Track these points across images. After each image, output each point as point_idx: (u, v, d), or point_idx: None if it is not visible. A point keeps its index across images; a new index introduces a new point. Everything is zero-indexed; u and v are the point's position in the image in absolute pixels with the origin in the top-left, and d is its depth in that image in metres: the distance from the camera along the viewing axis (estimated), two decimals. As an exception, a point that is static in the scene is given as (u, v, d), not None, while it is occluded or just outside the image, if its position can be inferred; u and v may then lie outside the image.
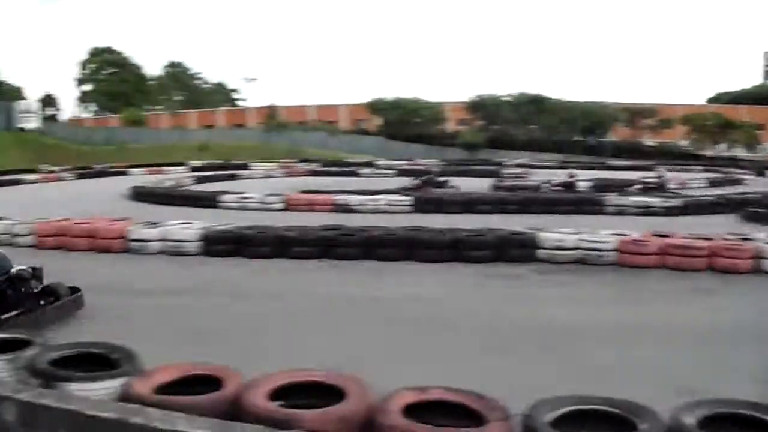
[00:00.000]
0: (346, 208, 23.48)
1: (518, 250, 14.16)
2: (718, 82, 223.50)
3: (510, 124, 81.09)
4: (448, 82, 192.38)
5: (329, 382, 5.26)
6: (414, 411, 4.85)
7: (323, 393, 5.14)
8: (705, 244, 13.68)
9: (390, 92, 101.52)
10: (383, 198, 24.26)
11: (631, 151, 75.03)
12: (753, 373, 7.59)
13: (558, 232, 14.58)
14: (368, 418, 4.80)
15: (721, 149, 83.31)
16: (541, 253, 14.13)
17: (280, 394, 5.17)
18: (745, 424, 4.90)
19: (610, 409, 4.97)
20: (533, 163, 55.97)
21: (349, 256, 14.36)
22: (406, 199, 24.10)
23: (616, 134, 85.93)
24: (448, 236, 14.47)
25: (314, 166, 51.74)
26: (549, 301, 11.21)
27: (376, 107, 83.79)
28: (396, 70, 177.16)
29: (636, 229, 15.81)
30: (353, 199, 24.12)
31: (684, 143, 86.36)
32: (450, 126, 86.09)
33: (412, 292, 11.79)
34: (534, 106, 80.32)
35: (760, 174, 49.29)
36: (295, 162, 56.83)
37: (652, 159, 64.39)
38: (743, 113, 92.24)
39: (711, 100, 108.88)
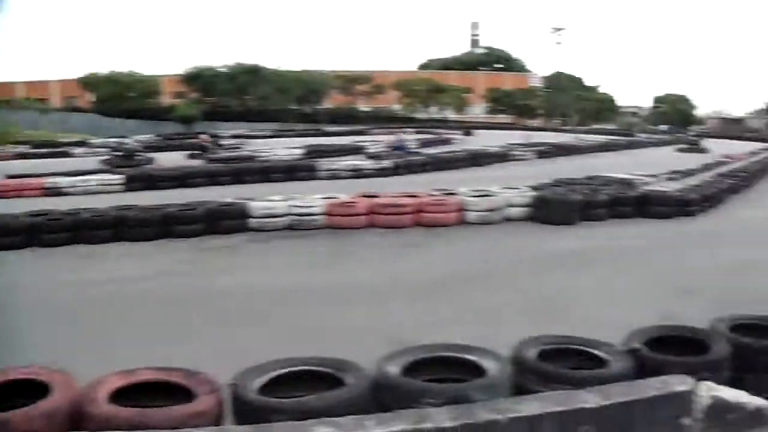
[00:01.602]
0: (57, 192, 22.09)
1: (230, 221, 13.80)
2: (428, 50, 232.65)
3: (226, 96, 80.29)
4: (164, 55, 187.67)
5: (32, 378, 4.84)
6: (123, 395, 4.57)
7: (28, 391, 4.73)
8: (411, 201, 13.99)
9: (104, 66, 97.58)
10: (94, 178, 22.96)
11: (347, 117, 76.45)
12: (456, 318, 7.88)
13: (268, 200, 14.42)
14: (76, 409, 4.47)
15: (433, 112, 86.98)
16: (252, 222, 13.90)
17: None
18: (447, 365, 5.03)
19: (317, 368, 4.90)
20: (250, 133, 55.71)
21: (58, 242, 13.45)
22: (117, 178, 22.86)
23: (332, 101, 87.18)
24: (158, 213, 13.89)
25: (23, 149, 48.47)
26: (260, 269, 11.07)
27: (88, 83, 79.95)
28: (110, 43, 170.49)
29: (353, 191, 15.89)
30: (63, 182, 22.70)
31: (397, 107, 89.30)
32: (166, 100, 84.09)
33: (120, 274, 11.20)
34: (250, 76, 79.91)
35: (468, 134, 52.02)
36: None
37: (367, 124, 66.07)
38: (452, 78, 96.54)
39: (422, 67, 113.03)
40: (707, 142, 44.88)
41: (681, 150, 42.11)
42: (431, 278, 9.98)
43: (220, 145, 36.87)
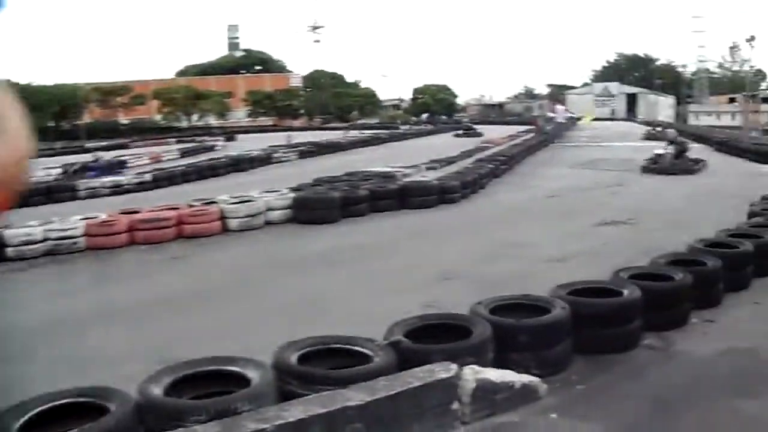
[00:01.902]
0: None
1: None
2: (186, 56, 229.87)
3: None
4: None
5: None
6: None
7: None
8: (172, 214, 13.62)
9: None
10: None
11: (108, 131, 74.10)
12: (219, 329, 7.73)
13: (24, 226, 13.62)
14: None
15: (194, 119, 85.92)
16: (9, 251, 13.06)
17: None
18: (211, 379, 4.93)
19: (79, 400, 4.68)
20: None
21: None
22: None
23: (91, 115, 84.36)
24: None
25: None
26: (20, 300, 10.46)
27: None
28: None
29: (115, 208, 15.29)
30: None
31: (158, 117, 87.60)
32: None
33: None
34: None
35: (230, 139, 51.68)
36: None
37: (129, 137, 64.45)
38: (212, 84, 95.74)
39: (180, 74, 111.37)
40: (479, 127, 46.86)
41: (458, 135, 43.94)
42: (191, 291, 9.72)
43: None
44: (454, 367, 4.56)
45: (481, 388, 4.71)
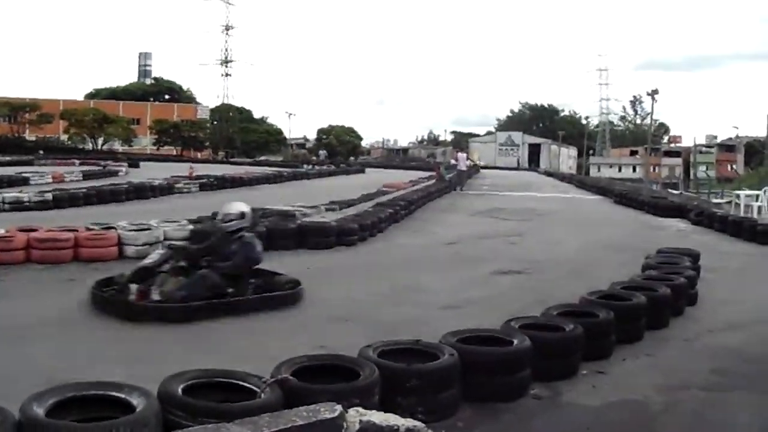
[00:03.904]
0: None
1: None
2: (96, 79, 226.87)
3: None
4: None
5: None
6: None
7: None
8: (70, 235, 13.39)
9: None
10: None
11: (13, 146, 72.61)
12: (108, 355, 7.56)
13: None
14: None
15: (100, 143, 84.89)
16: None
17: None
18: (94, 403, 4.84)
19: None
20: None
21: None
22: None
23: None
24: None
25: None
26: None
27: None
28: None
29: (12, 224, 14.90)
30: None
31: (64, 138, 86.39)
32: None
33: None
34: None
35: (134, 165, 51.12)
36: None
37: (32, 154, 63.41)
38: (120, 109, 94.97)
39: (89, 96, 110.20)
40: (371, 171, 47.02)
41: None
42: (85, 314, 9.53)
43: None
44: (338, 407, 4.53)
45: (364, 430, 4.70)
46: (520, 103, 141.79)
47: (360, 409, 4.75)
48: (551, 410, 6.32)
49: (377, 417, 4.81)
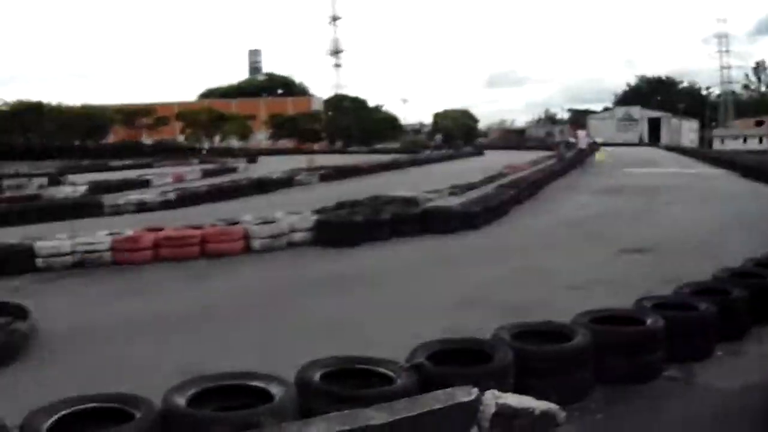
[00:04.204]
0: None
1: (15, 263, 13.16)
2: (208, 79, 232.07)
3: (8, 134, 76.80)
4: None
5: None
6: None
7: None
8: (196, 232, 13.76)
9: None
10: None
11: (131, 151, 74.71)
12: (241, 347, 7.74)
13: (54, 238, 13.81)
14: None
15: (217, 141, 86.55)
16: (39, 262, 13.26)
17: None
18: (234, 392, 4.98)
19: (105, 405, 4.74)
20: (33, 171, 53.33)
21: None
22: None
23: (116, 135, 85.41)
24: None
25: None
26: (48, 309, 10.57)
27: None
28: None
29: (140, 225, 15.40)
30: None
31: (181, 138, 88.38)
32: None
33: None
34: (32, 113, 76.83)
35: (252, 161, 51.94)
36: None
37: (152, 157, 64.91)
38: (234, 106, 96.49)
39: (202, 96, 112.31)
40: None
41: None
42: (215, 308, 9.81)
43: None
44: (475, 391, 4.54)
45: (500, 414, 4.69)
46: (637, 76, 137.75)
47: (495, 392, 4.75)
48: (686, 393, 6.16)
49: (512, 399, 4.80)
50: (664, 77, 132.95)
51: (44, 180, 35.98)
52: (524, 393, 5.02)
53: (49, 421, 4.44)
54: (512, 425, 4.79)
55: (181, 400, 4.70)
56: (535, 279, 10.83)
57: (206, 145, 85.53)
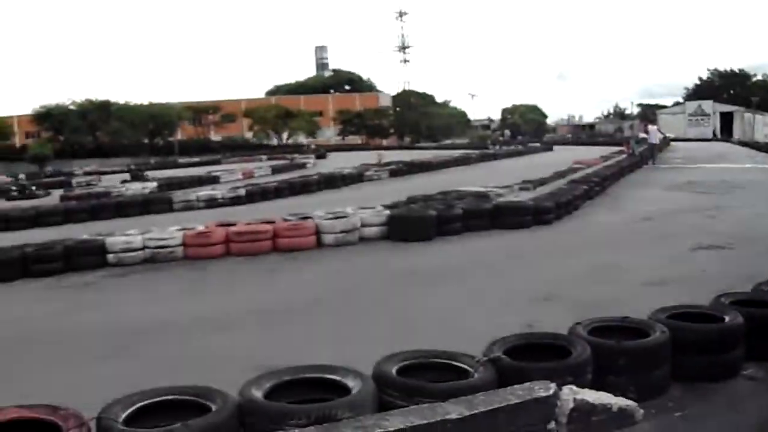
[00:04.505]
0: None
1: (88, 258, 13.40)
2: (275, 76, 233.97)
3: (78, 133, 78.49)
4: (13, 95, 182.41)
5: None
6: None
7: None
8: (267, 227, 13.88)
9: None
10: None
11: (200, 148, 75.71)
12: (319, 339, 7.79)
13: (125, 234, 14.06)
14: None
15: (284, 138, 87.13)
16: (111, 257, 13.51)
17: None
18: (311, 386, 5.02)
19: (181, 397, 4.82)
20: (103, 169, 54.43)
21: None
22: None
23: (184, 132, 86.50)
24: (15, 253, 13.35)
25: None
26: (121, 304, 10.76)
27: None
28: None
29: (210, 221, 15.64)
30: None
31: (249, 135, 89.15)
32: (19, 140, 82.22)
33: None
34: (101, 112, 78.38)
35: (321, 157, 52.24)
36: None
37: (219, 153, 65.72)
38: (301, 103, 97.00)
39: (270, 93, 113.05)
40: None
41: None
42: (289, 301, 9.92)
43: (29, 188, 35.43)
44: (552, 386, 4.52)
45: (578, 409, 4.66)
46: (709, 70, 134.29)
47: (573, 388, 4.72)
48: (766, 393, 6.01)
49: (590, 395, 4.77)
50: (737, 70, 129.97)
51: (118, 177, 37.20)
52: (601, 389, 4.99)
53: (126, 413, 4.52)
54: (590, 421, 4.76)
55: (258, 393, 4.74)
56: (609, 275, 10.74)
57: (274, 141, 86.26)
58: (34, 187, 34.23)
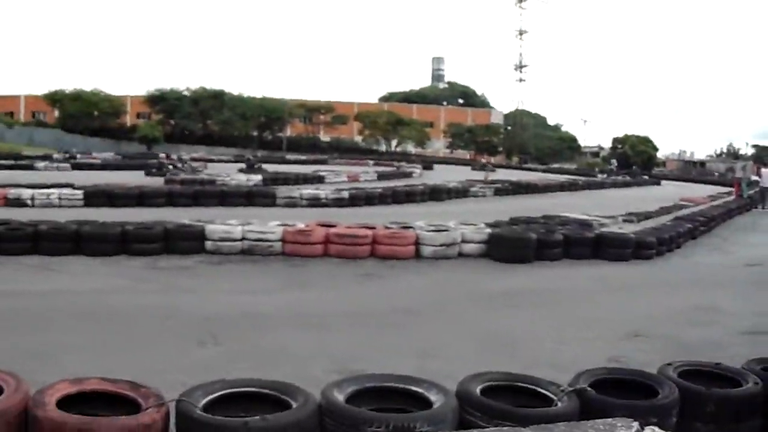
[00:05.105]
0: (19, 202, 22.01)
1: (186, 242, 13.75)
2: (389, 82, 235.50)
3: (189, 119, 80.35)
4: (130, 75, 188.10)
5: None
6: (72, 402, 4.51)
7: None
8: (367, 232, 13.97)
9: (70, 83, 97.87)
10: (56, 192, 23.04)
11: (308, 146, 76.66)
12: (405, 349, 7.82)
13: (225, 224, 14.35)
14: (25, 411, 4.41)
15: (393, 145, 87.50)
16: (208, 244, 13.82)
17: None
18: (392, 395, 5.00)
19: (263, 390, 4.89)
20: (210, 157, 55.64)
21: (14, 251, 13.28)
22: (78, 193, 22.97)
23: (293, 129, 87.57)
24: (116, 230, 13.79)
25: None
26: (215, 291, 11.00)
27: (54, 98, 79.76)
28: (77, 60, 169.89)
29: (310, 220, 15.88)
30: (26, 193, 22.68)
31: (358, 138, 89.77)
32: (129, 119, 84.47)
33: (76, 288, 10.96)
34: (213, 100, 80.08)
35: (428, 168, 52.32)
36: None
37: (328, 154, 66.38)
38: (413, 112, 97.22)
39: (383, 99, 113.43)
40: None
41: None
42: (383, 309, 9.98)
43: (181, 168, 37.57)
44: (635, 424, 4.42)
45: (659, 451, 4.57)
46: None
47: (656, 429, 4.63)
48: None
49: (671, 440, 4.67)
50: None
51: (224, 166, 38.73)
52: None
53: (206, 399, 4.59)
54: (668, 465, 4.66)
55: (339, 396, 4.77)
56: (707, 318, 10.45)
57: (383, 147, 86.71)
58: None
